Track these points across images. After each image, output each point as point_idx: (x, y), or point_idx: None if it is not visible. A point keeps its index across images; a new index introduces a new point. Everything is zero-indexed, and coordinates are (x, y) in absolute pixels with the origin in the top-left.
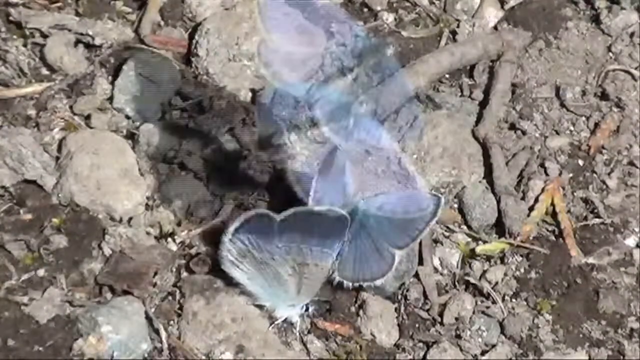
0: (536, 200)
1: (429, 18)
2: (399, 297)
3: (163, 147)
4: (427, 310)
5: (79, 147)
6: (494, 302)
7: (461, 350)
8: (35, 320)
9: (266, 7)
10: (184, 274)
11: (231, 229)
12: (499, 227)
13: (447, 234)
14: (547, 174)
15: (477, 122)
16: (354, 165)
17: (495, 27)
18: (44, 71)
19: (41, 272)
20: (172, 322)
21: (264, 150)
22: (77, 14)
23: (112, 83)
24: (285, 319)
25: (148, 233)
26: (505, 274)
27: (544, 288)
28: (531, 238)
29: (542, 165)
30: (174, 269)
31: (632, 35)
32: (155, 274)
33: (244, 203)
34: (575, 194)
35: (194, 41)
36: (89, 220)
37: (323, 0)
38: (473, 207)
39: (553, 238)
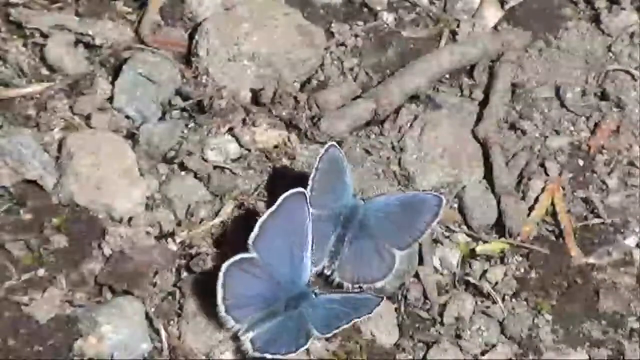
0: (536, 200)
1: (429, 18)
2: (399, 297)
3: (163, 147)
4: (427, 310)
5: (79, 147)
6: (494, 302)
7: (461, 350)
8: (35, 320)
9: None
10: (184, 274)
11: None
12: (499, 227)
13: (447, 234)
14: (547, 174)
15: (477, 122)
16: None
17: (495, 27)
18: (44, 71)
19: (41, 272)
20: (172, 322)
21: None
22: (77, 14)
23: (112, 83)
24: None
25: (148, 233)
26: (505, 274)
27: (544, 288)
28: (531, 238)
29: (542, 165)
30: (174, 269)
31: (632, 35)
32: (156, 274)
33: (244, 203)
34: (575, 194)
35: (194, 41)
36: (89, 220)
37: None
38: (473, 207)
39: (553, 238)
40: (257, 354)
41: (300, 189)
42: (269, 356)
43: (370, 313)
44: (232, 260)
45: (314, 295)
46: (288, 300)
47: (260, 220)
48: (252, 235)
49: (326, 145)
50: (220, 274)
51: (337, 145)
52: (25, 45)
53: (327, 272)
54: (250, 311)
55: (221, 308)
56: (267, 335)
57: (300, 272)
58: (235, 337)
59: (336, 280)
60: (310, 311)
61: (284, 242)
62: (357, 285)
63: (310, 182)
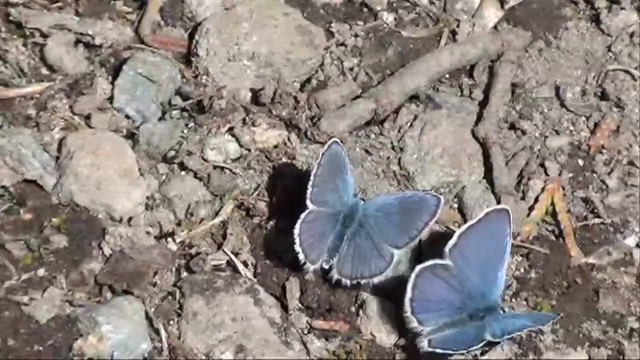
0: (536, 200)
1: (429, 18)
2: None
3: (163, 147)
4: None
5: (79, 147)
6: None
7: None
8: (35, 320)
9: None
10: (184, 274)
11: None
12: None
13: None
14: (547, 174)
15: (477, 122)
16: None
17: (495, 27)
18: (44, 71)
19: (41, 272)
20: (172, 322)
21: None
22: (77, 14)
23: (112, 83)
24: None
25: (148, 233)
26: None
27: (544, 288)
28: (531, 238)
29: (542, 165)
30: (174, 269)
31: (632, 35)
32: (155, 273)
33: (244, 203)
34: (575, 194)
35: (194, 41)
36: (89, 220)
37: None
38: (473, 207)
39: (553, 238)
40: (429, 349)
41: (505, 207)
42: (439, 350)
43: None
44: (426, 264)
45: (501, 312)
46: (475, 311)
47: (459, 230)
48: (450, 243)
49: (329, 142)
50: (412, 276)
51: (339, 141)
52: (25, 45)
53: (326, 266)
54: (436, 316)
55: (407, 308)
56: (445, 337)
57: (493, 286)
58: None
59: (335, 276)
60: (494, 325)
61: (480, 255)
62: (355, 281)
63: (311, 178)
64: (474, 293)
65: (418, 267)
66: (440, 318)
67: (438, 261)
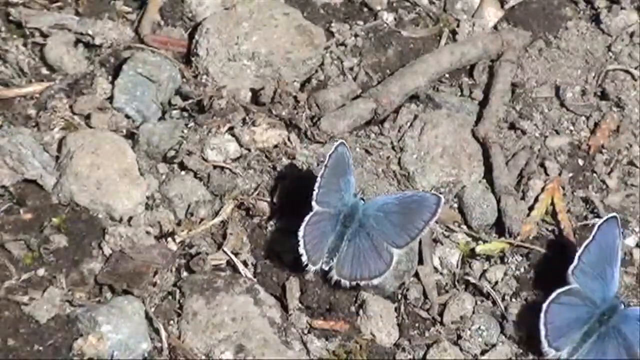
0: (536, 200)
1: (429, 18)
2: (399, 296)
3: (163, 147)
4: (427, 310)
5: (79, 147)
6: (494, 302)
7: (461, 350)
8: (35, 320)
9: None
10: (184, 274)
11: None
12: (499, 227)
13: (447, 233)
14: (547, 174)
15: (477, 122)
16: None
17: (495, 27)
18: (44, 71)
19: (41, 272)
20: (172, 322)
21: None
22: (77, 13)
23: (112, 83)
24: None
25: (148, 233)
26: (505, 274)
27: (544, 288)
28: (531, 238)
29: (542, 165)
30: (174, 269)
31: (632, 35)
32: (155, 273)
33: (244, 203)
34: (575, 193)
35: (194, 41)
36: (89, 220)
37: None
38: (473, 207)
39: (553, 238)
40: None
41: (613, 214)
42: None
43: None
44: (551, 297)
45: (622, 306)
46: (600, 316)
47: (578, 252)
48: (572, 266)
49: (336, 143)
50: (542, 314)
51: (345, 143)
52: (25, 45)
53: (326, 268)
54: (569, 336)
55: (544, 344)
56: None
57: (610, 286)
58: None
59: (334, 277)
60: (622, 326)
61: (598, 265)
62: (354, 282)
63: (318, 179)
64: (596, 300)
65: (545, 305)
66: (574, 335)
67: (560, 290)
